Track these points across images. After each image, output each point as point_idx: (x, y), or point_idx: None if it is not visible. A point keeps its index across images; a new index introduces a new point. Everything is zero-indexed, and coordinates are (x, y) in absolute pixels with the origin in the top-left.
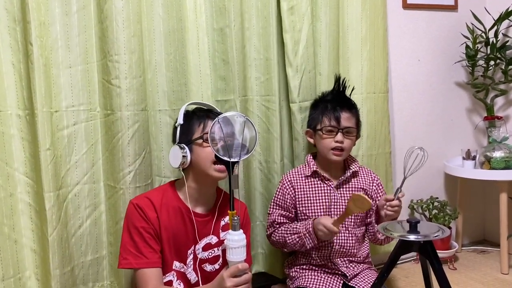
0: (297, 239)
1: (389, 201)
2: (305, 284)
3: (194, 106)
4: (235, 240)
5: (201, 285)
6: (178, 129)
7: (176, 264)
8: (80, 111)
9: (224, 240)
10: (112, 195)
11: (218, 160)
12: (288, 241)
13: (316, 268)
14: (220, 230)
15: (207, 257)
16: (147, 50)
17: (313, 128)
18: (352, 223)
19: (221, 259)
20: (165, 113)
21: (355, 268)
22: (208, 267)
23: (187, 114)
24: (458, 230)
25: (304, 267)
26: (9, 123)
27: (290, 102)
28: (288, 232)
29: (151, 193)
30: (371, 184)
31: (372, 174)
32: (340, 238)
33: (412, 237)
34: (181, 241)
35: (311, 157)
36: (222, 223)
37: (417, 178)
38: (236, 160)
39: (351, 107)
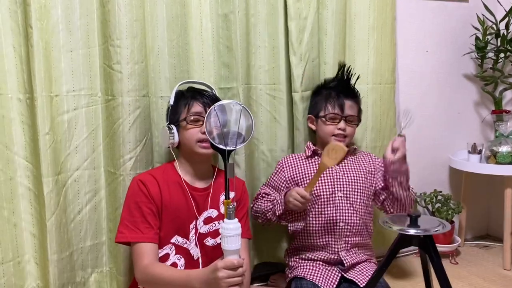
0: (270, 206)
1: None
2: (302, 275)
3: (187, 86)
4: (230, 228)
5: (201, 261)
6: (169, 109)
7: (178, 239)
8: (81, 95)
9: (223, 214)
10: (112, 181)
11: (214, 149)
12: (263, 207)
13: (315, 258)
14: (221, 204)
15: (208, 230)
16: (149, 35)
17: (316, 115)
18: (358, 200)
19: None
20: (166, 99)
21: (355, 255)
22: (210, 241)
23: (178, 95)
24: (461, 224)
25: (303, 256)
26: (9, 106)
27: (293, 91)
28: (267, 200)
29: (153, 171)
30: (371, 161)
31: (370, 154)
32: (344, 214)
33: (412, 231)
34: (183, 216)
35: (310, 143)
36: (222, 197)
37: (421, 171)
38: (231, 148)
39: (355, 96)
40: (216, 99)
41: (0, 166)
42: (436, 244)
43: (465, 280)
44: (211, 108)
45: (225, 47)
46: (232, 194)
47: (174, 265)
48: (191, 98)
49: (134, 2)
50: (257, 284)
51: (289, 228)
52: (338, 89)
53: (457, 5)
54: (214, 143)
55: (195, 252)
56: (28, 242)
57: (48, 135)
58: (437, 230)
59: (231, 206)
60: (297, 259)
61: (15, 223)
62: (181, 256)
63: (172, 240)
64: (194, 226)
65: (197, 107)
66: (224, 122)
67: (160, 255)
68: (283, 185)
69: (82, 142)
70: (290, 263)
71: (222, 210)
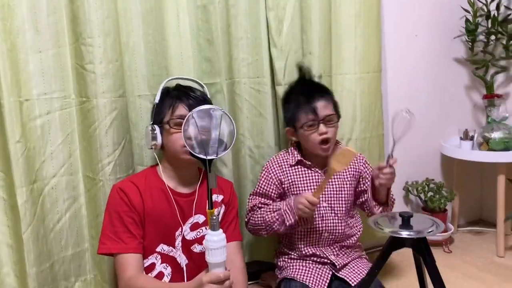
0: (277, 216)
1: (382, 169)
2: (292, 275)
3: (175, 83)
4: (214, 241)
5: (186, 269)
6: (154, 108)
7: (164, 248)
8: (53, 99)
9: None
10: (91, 187)
11: (194, 158)
12: (267, 219)
13: (305, 258)
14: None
15: (195, 237)
16: (124, 31)
17: (293, 127)
18: (343, 208)
19: None
20: (145, 98)
21: (345, 256)
22: (198, 248)
23: (164, 92)
24: (454, 211)
25: (292, 256)
26: None
27: (276, 84)
28: (268, 210)
29: (134, 177)
30: (357, 164)
31: (356, 155)
32: (329, 224)
33: (404, 234)
34: (168, 223)
35: (294, 147)
36: None
37: (413, 159)
38: (213, 157)
39: (324, 93)
40: (204, 99)
41: None
42: None
43: (459, 269)
44: (188, 115)
45: (205, 40)
46: (220, 198)
47: (161, 274)
48: (176, 99)
49: None
50: (249, 282)
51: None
52: (305, 93)
53: None
54: (194, 153)
55: (182, 259)
56: (5, 254)
57: (20, 143)
58: (431, 231)
59: (214, 217)
60: (286, 259)
61: None
62: (167, 265)
63: (158, 249)
64: (180, 233)
65: (181, 110)
66: (203, 129)
67: (145, 264)
68: (274, 191)
69: (57, 148)
70: (279, 263)
71: None
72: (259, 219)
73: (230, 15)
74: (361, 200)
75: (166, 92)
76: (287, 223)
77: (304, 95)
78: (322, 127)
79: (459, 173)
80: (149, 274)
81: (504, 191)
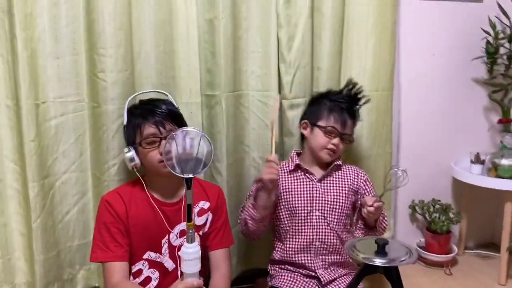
0: (250, 205)
1: (366, 206)
2: (279, 285)
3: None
4: (189, 252)
5: (179, 271)
6: (124, 129)
7: (151, 254)
8: (68, 102)
9: (199, 225)
10: (98, 185)
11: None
12: (248, 212)
13: (293, 269)
14: (196, 216)
15: (182, 243)
16: (137, 41)
17: (313, 122)
18: (336, 220)
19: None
20: None
21: (333, 272)
22: None
23: (129, 112)
24: (461, 233)
25: (283, 266)
26: None
27: (281, 98)
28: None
29: (121, 188)
30: (356, 178)
31: (357, 170)
32: (321, 234)
33: (377, 261)
34: (153, 232)
35: (295, 154)
36: (197, 208)
37: (422, 177)
38: (189, 176)
39: (357, 115)
40: (169, 112)
41: None
42: (431, 254)
43: None
44: (169, 136)
45: (210, 52)
46: (207, 205)
47: (148, 279)
48: (141, 118)
49: (118, 10)
50: (244, 286)
51: (272, 238)
52: (344, 105)
53: (469, 5)
54: (174, 172)
55: (169, 264)
56: (18, 241)
57: (33, 142)
58: (403, 261)
59: (191, 231)
60: (277, 269)
61: (5, 223)
62: (155, 270)
63: (145, 256)
64: (166, 240)
65: (149, 129)
66: (183, 149)
67: (133, 270)
68: None
69: (69, 147)
70: (270, 272)
71: (197, 221)
72: (244, 215)
73: (241, 29)
74: (354, 217)
75: (131, 111)
76: (252, 201)
77: (344, 105)
78: (337, 140)
79: (469, 195)
80: (137, 279)
81: (510, 219)
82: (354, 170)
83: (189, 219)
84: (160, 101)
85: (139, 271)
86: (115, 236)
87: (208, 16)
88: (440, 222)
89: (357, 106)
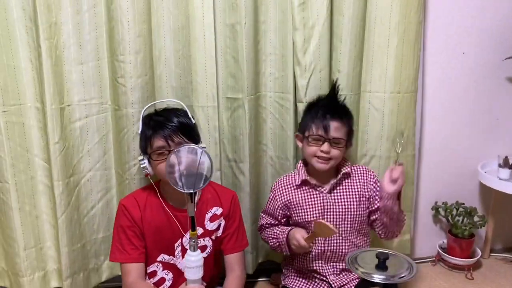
0: (277, 244)
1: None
2: (291, 285)
3: (153, 109)
4: (191, 260)
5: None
6: (139, 136)
7: (164, 257)
8: (92, 104)
9: (212, 230)
10: (121, 182)
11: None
12: (270, 243)
13: (306, 272)
14: (208, 221)
15: None
16: (156, 46)
17: (302, 134)
18: (348, 229)
19: (208, 248)
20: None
21: (345, 277)
22: None
23: (144, 121)
24: (487, 236)
25: (296, 267)
26: (29, 115)
27: (297, 101)
28: (270, 235)
29: (138, 192)
30: (366, 184)
31: (368, 172)
32: (332, 244)
33: (376, 278)
34: (166, 236)
35: (302, 164)
36: (209, 214)
37: (446, 179)
38: (190, 191)
39: (343, 116)
40: (180, 125)
41: (22, 167)
42: (453, 257)
43: None
44: (170, 153)
45: (231, 57)
46: (219, 211)
47: (162, 280)
48: (152, 131)
49: (137, 18)
50: (260, 279)
51: None
52: (325, 109)
53: (502, 2)
54: (176, 188)
55: (182, 266)
56: (49, 231)
57: (58, 144)
58: (402, 277)
59: (193, 241)
60: (290, 268)
61: (37, 215)
62: (169, 271)
63: (159, 258)
64: (179, 244)
65: (158, 142)
66: (184, 166)
67: (148, 271)
68: (279, 212)
69: (94, 146)
70: (283, 270)
71: (209, 226)
72: (266, 239)
73: (260, 31)
74: (371, 219)
75: (145, 121)
76: (284, 253)
77: (324, 110)
78: (325, 146)
79: (497, 198)
80: (151, 279)
81: None
82: (365, 173)
83: (192, 229)
84: (173, 113)
85: (154, 272)
86: (131, 239)
87: (230, 21)
88: (463, 226)
89: (343, 104)
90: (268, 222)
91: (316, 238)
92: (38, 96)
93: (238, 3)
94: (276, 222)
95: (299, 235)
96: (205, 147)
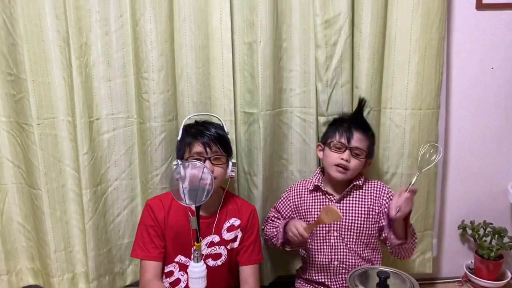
0: (275, 232)
1: (401, 193)
2: None
3: (194, 120)
4: (195, 271)
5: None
6: (177, 144)
7: (182, 258)
8: (119, 118)
9: (227, 240)
10: (145, 191)
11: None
12: (269, 232)
13: (316, 285)
14: (225, 231)
15: (210, 253)
16: (179, 64)
17: (324, 142)
18: (355, 240)
19: (223, 257)
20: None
21: None
22: (211, 262)
23: (184, 130)
24: None
25: (307, 280)
26: (61, 127)
27: (319, 115)
28: (271, 226)
29: (165, 195)
30: (378, 198)
31: (383, 187)
32: (339, 254)
33: None
34: (185, 239)
35: (320, 170)
36: (227, 224)
37: (473, 199)
38: (191, 205)
39: (367, 130)
40: (217, 136)
41: (54, 176)
42: (479, 279)
43: None
44: (174, 169)
45: (249, 74)
46: (237, 222)
47: (178, 281)
48: (192, 138)
49: (159, 38)
50: None
51: (300, 251)
52: (351, 121)
53: None
54: (180, 202)
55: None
56: (78, 236)
57: (87, 155)
58: None
59: (197, 252)
60: (302, 282)
61: (67, 221)
62: (184, 273)
63: (176, 259)
64: None
65: (197, 148)
66: (191, 181)
67: (165, 271)
68: (287, 213)
69: (120, 157)
70: (296, 284)
71: (225, 236)
72: (267, 231)
73: (281, 49)
74: (382, 236)
75: (185, 130)
76: (279, 242)
77: (349, 122)
78: (346, 154)
79: None
80: (168, 279)
81: None
82: (378, 188)
83: (197, 241)
84: (212, 125)
85: (171, 272)
86: (153, 238)
87: (247, 40)
88: (490, 247)
89: (365, 120)
90: (275, 216)
91: (318, 239)
92: (70, 110)
93: (255, 22)
94: (282, 219)
95: (299, 223)
96: (235, 162)
